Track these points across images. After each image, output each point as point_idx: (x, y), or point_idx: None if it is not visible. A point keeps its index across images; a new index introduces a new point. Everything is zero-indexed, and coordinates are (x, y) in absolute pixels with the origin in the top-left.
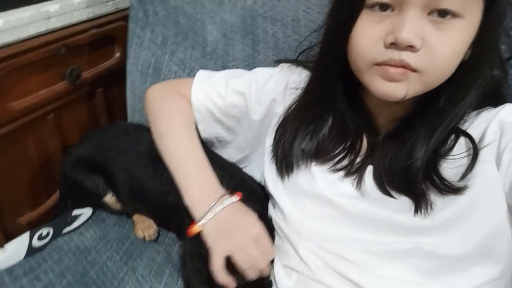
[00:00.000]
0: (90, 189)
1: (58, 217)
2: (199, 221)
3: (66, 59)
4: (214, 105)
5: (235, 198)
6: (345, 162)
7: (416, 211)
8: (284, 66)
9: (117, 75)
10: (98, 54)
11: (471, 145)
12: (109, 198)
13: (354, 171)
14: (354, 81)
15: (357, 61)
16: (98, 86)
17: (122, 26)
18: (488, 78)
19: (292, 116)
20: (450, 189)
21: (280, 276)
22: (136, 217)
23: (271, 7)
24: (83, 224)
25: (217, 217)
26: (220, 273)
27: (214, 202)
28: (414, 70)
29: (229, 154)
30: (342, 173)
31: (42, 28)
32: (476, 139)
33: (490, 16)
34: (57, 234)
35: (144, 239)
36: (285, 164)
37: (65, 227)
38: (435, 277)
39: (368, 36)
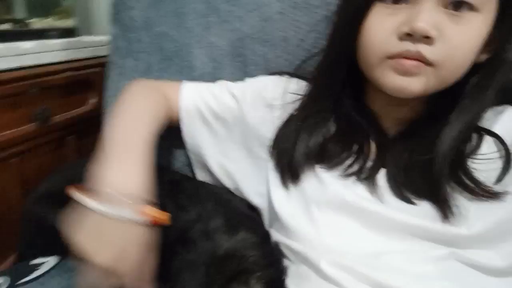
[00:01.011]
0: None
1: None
2: (95, 198)
3: (37, 100)
4: (205, 104)
5: (143, 219)
6: (355, 167)
7: (444, 217)
8: (278, 75)
9: (93, 123)
10: (72, 99)
11: (501, 146)
12: None
13: (367, 177)
14: (358, 84)
15: (368, 55)
16: (69, 133)
17: (100, 72)
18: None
19: (294, 121)
20: (486, 192)
21: None
22: None
23: (260, 28)
24: (44, 274)
25: (110, 221)
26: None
27: (127, 202)
28: (429, 64)
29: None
30: (353, 178)
31: (14, 63)
32: (507, 138)
33: (506, 17)
34: (12, 285)
35: None
36: (290, 172)
37: (23, 277)
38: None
39: (381, 28)
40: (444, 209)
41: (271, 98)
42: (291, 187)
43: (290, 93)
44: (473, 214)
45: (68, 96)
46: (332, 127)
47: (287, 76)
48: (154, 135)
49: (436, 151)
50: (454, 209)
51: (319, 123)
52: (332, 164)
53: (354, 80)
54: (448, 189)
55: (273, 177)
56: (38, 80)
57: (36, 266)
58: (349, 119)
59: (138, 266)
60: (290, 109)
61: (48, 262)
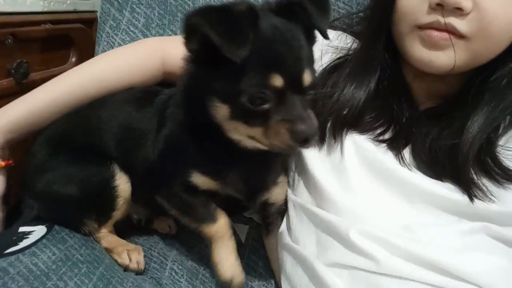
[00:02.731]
0: (96, 173)
1: None
2: None
3: (14, 52)
4: None
5: None
6: (387, 136)
7: (469, 197)
8: None
9: None
10: (51, 55)
11: None
12: (122, 177)
13: (396, 147)
14: (395, 54)
15: (399, 22)
16: None
17: (81, 29)
18: None
19: (333, 79)
20: None
21: (326, 278)
22: (109, 241)
23: None
24: (34, 244)
25: None
26: None
27: None
28: (460, 37)
29: None
30: (384, 145)
31: None
32: None
33: None
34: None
35: (126, 267)
36: (322, 133)
37: (8, 247)
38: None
39: None
40: (469, 191)
41: None
42: (323, 148)
43: (329, 46)
44: (506, 194)
45: (48, 51)
46: (369, 93)
47: None
48: (84, 85)
49: (463, 137)
50: (479, 192)
51: (359, 86)
52: (365, 129)
53: (393, 49)
54: (473, 174)
55: None
56: (14, 29)
57: (25, 235)
58: (385, 88)
59: None
60: (324, 63)
61: (36, 231)
